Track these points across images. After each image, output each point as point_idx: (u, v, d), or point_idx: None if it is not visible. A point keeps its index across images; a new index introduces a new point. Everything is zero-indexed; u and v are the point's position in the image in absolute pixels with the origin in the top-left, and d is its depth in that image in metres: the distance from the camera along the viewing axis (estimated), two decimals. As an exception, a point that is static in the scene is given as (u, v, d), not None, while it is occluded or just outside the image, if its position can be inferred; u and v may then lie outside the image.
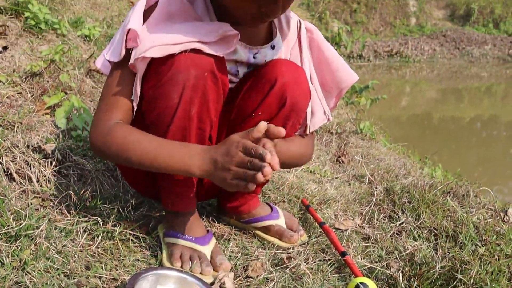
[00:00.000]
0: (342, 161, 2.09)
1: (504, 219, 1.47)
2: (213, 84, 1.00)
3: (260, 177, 0.85)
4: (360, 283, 0.97)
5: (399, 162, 2.21)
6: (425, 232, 1.33)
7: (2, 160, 1.27)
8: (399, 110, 9.80)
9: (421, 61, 17.30)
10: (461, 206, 1.50)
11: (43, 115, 1.63)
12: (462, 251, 1.15)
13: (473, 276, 1.02)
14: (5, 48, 1.93)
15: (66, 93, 1.83)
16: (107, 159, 1.16)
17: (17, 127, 1.43)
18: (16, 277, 0.93)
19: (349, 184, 1.80)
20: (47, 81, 1.84)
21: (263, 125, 0.91)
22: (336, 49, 5.10)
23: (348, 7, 19.44)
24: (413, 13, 20.04)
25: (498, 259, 1.12)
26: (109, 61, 1.06)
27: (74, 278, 0.98)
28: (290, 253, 1.21)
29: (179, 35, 0.97)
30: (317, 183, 1.75)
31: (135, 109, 1.05)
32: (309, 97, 1.18)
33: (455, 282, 1.04)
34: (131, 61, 0.99)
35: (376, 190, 1.63)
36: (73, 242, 1.10)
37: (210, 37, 0.99)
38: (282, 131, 0.91)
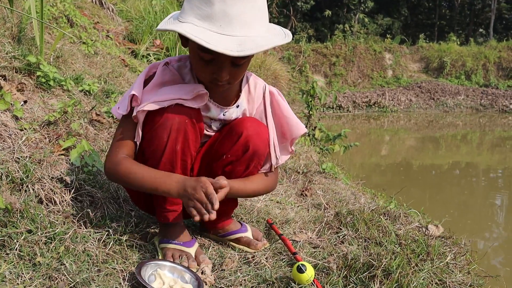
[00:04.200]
0: (305, 195, 2.50)
1: (425, 232, 1.88)
2: (192, 128, 1.43)
3: (206, 217, 1.30)
4: (300, 264, 1.37)
5: (353, 195, 2.63)
6: (360, 240, 1.73)
7: (35, 187, 1.65)
8: (380, 158, 10.28)
9: (398, 111, 18.09)
10: (393, 224, 1.90)
11: (59, 155, 2.03)
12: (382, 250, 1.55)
13: (383, 263, 1.42)
14: (25, 102, 2.34)
15: (76, 138, 2.23)
16: (115, 181, 1.57)
17: (43, 163, 1.82)
18: (55, 265, 1.30)
19: (308, 210, 2.20)
20: (61, 129, 2.24)
21: (222, 180, 1.39)
22: (311, 101, 5.58)
23: (328, 61, 20.39)
24: (389, 66, 21.04)
25: (407, 255, 1.52)
26: (119, 113, 1.49)
27: (96, 267, 1.35)
28: (254, 255, 1.60)
29: (167, 95, 1.41)
30: (281, 209, 2.15)
31: (137, 147, 1.46)
32: (268, 144, 1.58)
33: (372, 268, 1.44)
34: (134, 113, 1.42)
35: (328, 214, 2.04)
36: (91, 245, 1.48)
37: (189, 95, 1.42)
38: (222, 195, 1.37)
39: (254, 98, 1.63)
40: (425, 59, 21.35)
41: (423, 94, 19.18)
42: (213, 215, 1.30)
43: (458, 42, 22.64)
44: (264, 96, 1.65)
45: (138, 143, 1.47)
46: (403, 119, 16.72)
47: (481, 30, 32.60)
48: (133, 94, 1.43)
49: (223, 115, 1.58)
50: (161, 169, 1.45)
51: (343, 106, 17.46)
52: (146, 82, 1.48)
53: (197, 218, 1.31)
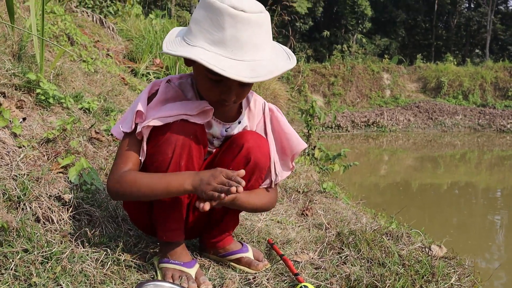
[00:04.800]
0: (306, 214, 2.47)
1: (429, 253, 1.85)
2: (196, 144, 1.41)
3: (233, 189, 1.29)
4: (303, 285, 1.33)
5: (354, 214, 2.60)
6: (363, 261, 1.70)
7: (32, 205, 1.63)
8: (379, 178, 10.26)
9: (397, 131, 18.15)
10: (396, 244, 1.87)
11: (57, 173, 2.00)
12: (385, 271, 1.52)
13: (387, 284, 1.39)
14: (24, 119, 2.33)
15: (75, 156, 2.21)
16: (120, 197, 1.48)
17: (40, 181, 1.80)
18: (51, 286, 1.27)
19: (309, 230, 2.17)
20: (59, 146, 2.22)
21: (242, 172, 1.34)
22: (310, 120, 5.57)
23: (326, 80, 20.53)
24: (387, 86, 21.18)
25: (411, 276, 1.49)
26: (123, 131, 1.47)
27: (93, 288, 1.32)
28: (255, 276, 1.57)
29: (172, 111, 1.39)
30: (282, 229, 2.12)
31: (141, 164, 1.44)
32: (268, 157, 1.58)
33: (376, 290, 1.40)
34: (139, 129, 1.40)
35: (329, 234, 2.01)
36: (89, 266, 1.45)
37: (193, 111, 1.41)
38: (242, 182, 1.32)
39: (254, 114, 1.63)
40: (422, 79, 21.50)
41: (421, 114, 19.26)
42: (241, 188, 1.30)
43: (455, 62, 22.85)
44: (264, 113, 1.65)
45: (142, 160, 1.45)
46: (402, 139, 16.75)
47: (477, 50, 32.94)
48: (138, 110, 1.42)
49: (225, 131, 1.57)
50: None
51: (342, 126, 17.51)
52: (149, 100, 1.46)
53: (223, 196, 1.31)
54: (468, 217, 6.88)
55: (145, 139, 1.42)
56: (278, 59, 1.38)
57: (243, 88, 1.41)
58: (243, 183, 1.31)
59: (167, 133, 1.39)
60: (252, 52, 1.31)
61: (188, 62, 1.43)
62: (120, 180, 1.39)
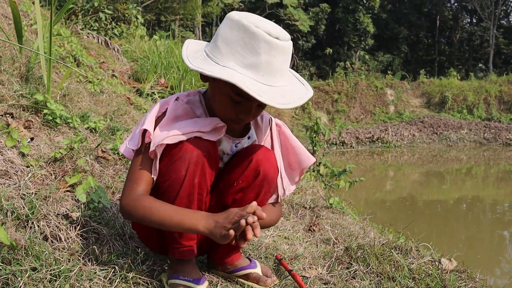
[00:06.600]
0: (313, 230, 2.46)
1: (439, 266, 1.83)
2: (209, 161, 1.42)
3: (249, 236, 1.25)
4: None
5: (362, 229, 2.58)
6: (372, 275, 1.69)
7: (40, 224, 1.63)
8: (385, 193, 10.21)
9: (402, 146, 18.11)
10: (405, 258, 1.86)
11: (65, 191, 2.01)
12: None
13: (398, 298, 1.38)
14: (32, 139, 2.35)
15: (82, 175, 2.22)
16: (131, 219, 1.49)
17: (48, 200, 1.81)
18: (60, 303, 1.27)
19: (317, 245, 2.16)
20: (67, 165, 2.24)
21: (254, 204, 1.31)
22: (314, 136, 5.59)
23: (330, 97, 20.61)
24: (391, 102, 21.22)
25: (421, 289, 1.48)
26: (131, 149, 1.48)
27: (101, 305, 1.32)
28: (264, 291, 1.56)
29: (185, 128, 1.40)
30: (290, 245, 2.11)
31: (154, 183, 1.44)
32: (277, 170, 1.59)
33: (386, 304, 1.39)
34: (152, 148, 1.40)
35: (337, 248, 2.00)
36: (97, 283, 1.44)
37: (206, 128, 1.41)
38: (264, 215, 1.30)
39: (262, 129, 1.64)
40: (426, 94, 21.53)
41: (426, 129, 19.24)
42: (257, 231, 1.26)
43: (459, 77, 22.92)
44: (271, 128, 1.67)
45: (155, 178, 1.45)
46: (407, 154, 16.70)
47: (480, 65, 33.03)
48: (145, 130, 1.42)
49: (235, 146, 1.58)
50: (177, 203, 1.42)
51: (346, 142, 17.49)
52: (159, 120, 1.47)
53: (243, 243, 1.29)
54: (476, 232, 6.82)
55: (157, 157, 1.42)
56: (298, 86, 1.42)
57: (260, 109, 1.43)
58: (257, 217, 1.28)
59: (181, 151, 1.39)
60: (280, 78, 1.34)
61: (205, 78, 1.43)
62: (136, 204, 1.39)
